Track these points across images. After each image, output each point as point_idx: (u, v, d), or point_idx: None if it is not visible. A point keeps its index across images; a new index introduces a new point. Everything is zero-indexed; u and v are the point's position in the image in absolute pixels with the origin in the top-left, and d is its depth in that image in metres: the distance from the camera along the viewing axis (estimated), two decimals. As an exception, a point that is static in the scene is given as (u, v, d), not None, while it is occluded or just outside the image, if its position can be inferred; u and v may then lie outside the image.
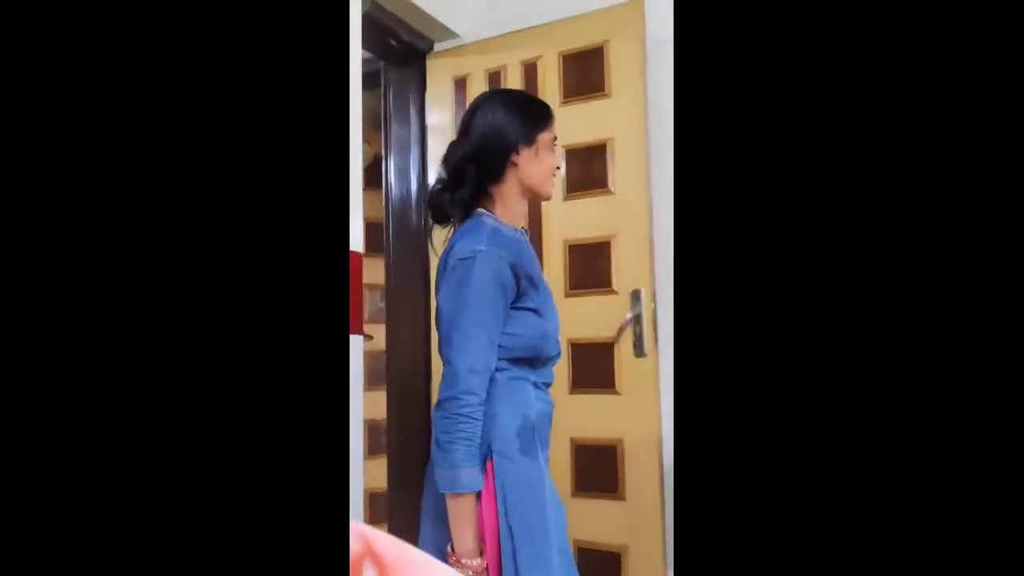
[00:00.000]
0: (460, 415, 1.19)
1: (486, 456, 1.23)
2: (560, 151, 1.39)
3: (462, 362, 1.20)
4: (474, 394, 1.19)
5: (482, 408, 1.21)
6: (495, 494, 1.22)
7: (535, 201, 1.40)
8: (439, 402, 1.22)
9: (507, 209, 1.35)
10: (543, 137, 1.34)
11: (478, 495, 1.20)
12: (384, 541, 0.51)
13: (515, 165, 1.33)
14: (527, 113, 1.35)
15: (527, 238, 1.40)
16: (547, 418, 1.35)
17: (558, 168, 1.40)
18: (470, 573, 1.17)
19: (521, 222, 1.39)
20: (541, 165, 1.34)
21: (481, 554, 1.19)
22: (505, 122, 1.32)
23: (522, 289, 1.27)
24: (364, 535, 0.50)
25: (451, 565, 1.18)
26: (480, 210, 1.34)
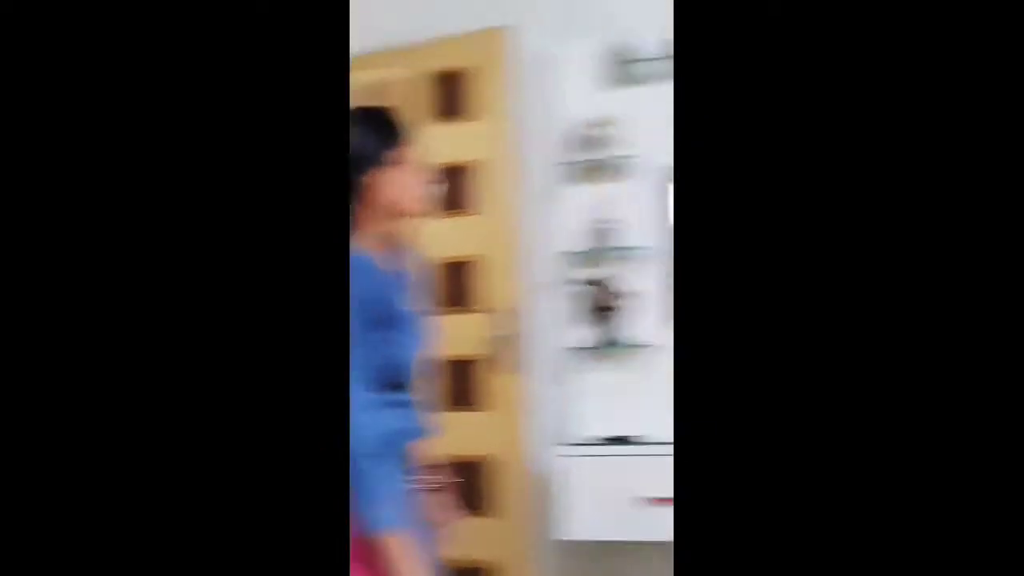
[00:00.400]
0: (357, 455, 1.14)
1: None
2: (427, 166, 1.34)
3: None
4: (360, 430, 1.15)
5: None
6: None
7: (401, 219, 1.35)
8: None
9: (367, 233, 1.30)
10: (395, 154, 1.30)
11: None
12: None
13: (370, 186, 1.28)
14: (377, 132, 1.30)
15: (398, 259, 1.36)
16: (401, 435, 1.31)
17: (428, 183, 1.35)
18: None
19: (388, 244, 1.34)
20: (398, 184, 1.30)
21: None
22: (356, 144, 1.25)
23: (372, 321, 1.22)
24: None
25: None
26: None
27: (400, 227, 1.35)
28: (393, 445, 1.26)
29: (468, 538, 2.12)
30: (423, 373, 1.36)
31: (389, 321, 1.26)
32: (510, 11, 2.29)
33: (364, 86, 2.41)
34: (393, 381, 1.28)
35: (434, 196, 1.27)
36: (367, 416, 1.18)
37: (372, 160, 1.27)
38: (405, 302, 1.34)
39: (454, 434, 2.18)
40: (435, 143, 2.30)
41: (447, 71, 2.34)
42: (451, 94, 2.34)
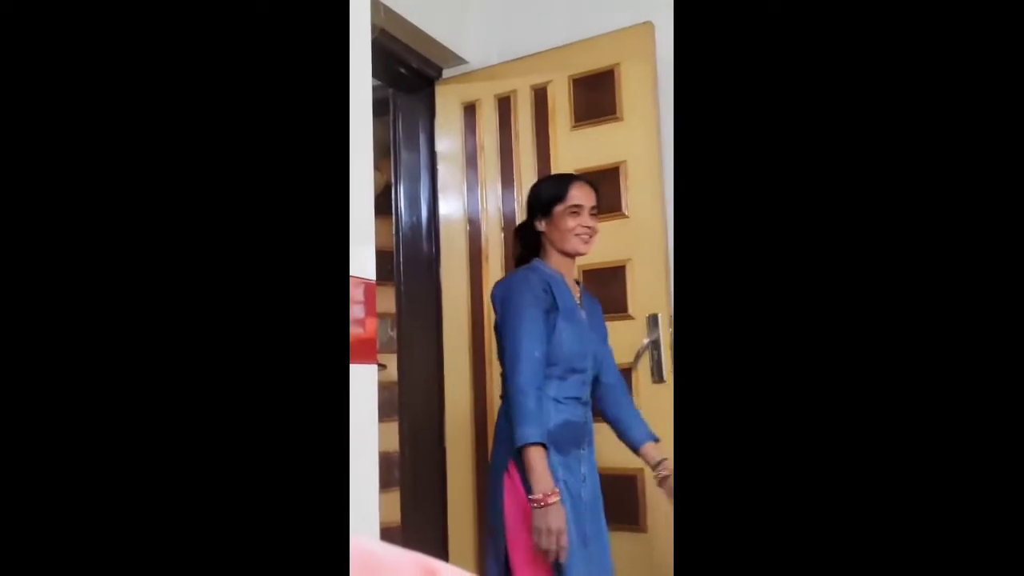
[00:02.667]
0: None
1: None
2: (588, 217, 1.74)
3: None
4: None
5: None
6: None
7: (570, 255, 1.75)
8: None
9: (551, 260, 1.75)
10: (562, 207, 1.71)
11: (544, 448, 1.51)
12: (451, 573, 0.48)
13: (545, 231, 1.74)
14: (549, 189, 1.76)
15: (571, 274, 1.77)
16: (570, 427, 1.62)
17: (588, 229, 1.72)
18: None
19: (565, 268, 1.75)
20: (563, 229, 1.70)
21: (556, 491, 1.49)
22: (533, 198, 1.78)
23: (544, 310, 1.62)
24: (429, 568, 0.47)
25: (539, 507, 1.46)
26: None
27: (571, 260, 1.76)
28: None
29: (622, 554, 2.05)
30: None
31: (554, 311, 1.63)
32: (649, 8, 2.20)
33: (511, 93, 2.41)
34: (561, 365, 1.63)
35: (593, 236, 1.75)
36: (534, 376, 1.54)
37: (544, 210, 1.71)
38: (573, 300, 1.70)
39: (605, 445, 2.12)
40: (582, 146, 2.26)
41: (592, 72, 2.28)
42: (596, 95, 2.28)
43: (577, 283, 1.79)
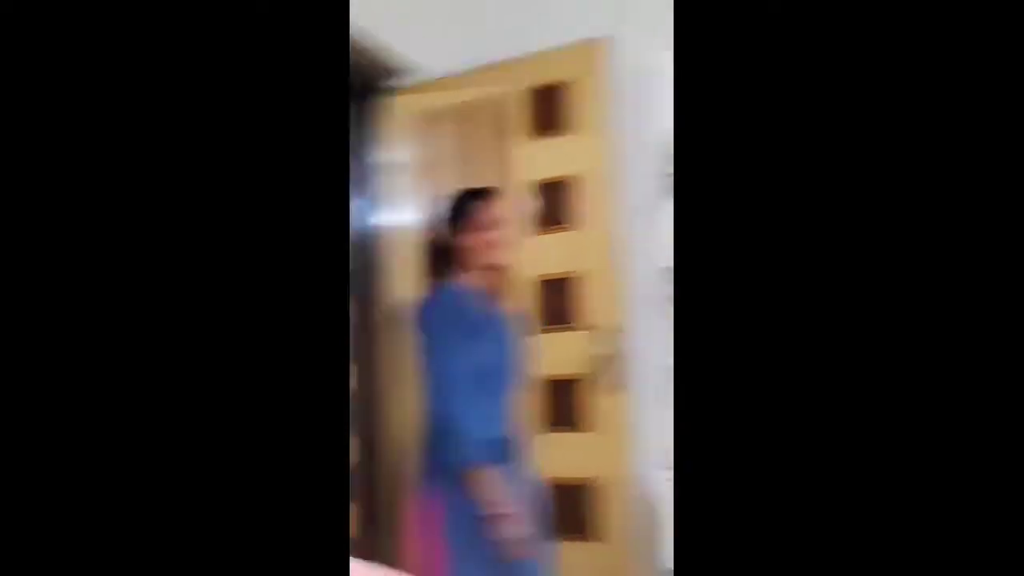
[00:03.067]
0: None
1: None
2: (510, 227, 1.73)
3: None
4: None
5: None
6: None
7: (491, 270, 1.73)
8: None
9: (466, 276, 1.71)
10: (478, 219, 1.69)
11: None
12: None
13: (462, 245, 1.71)
14: (464, 202, 1.74)
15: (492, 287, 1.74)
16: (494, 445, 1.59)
17: (510, 239, 1.70)
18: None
19: (483, 281, 1.72)
20: (484, 242, 1.67)
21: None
22: (448, 212, 1.76)
23: (464, 332, 1.60)
24: None
25: (501, 521, 1.47)
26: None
27: (492, 273, 1.72)
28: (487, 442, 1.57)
29: (573, 564, 2.08)
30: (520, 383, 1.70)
31: (476, 331, 1.61)
32: (607, 23, 2.23)
33: (462, 104, 2.43)
34: (488, 384, 1.62)
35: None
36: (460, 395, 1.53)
37: (460, 224, 1.69)
38: (494, 315, 1.69)
39: (556, 456, 2.15)
40: (536, 158, 2.28)
41: (548, 85, 2.31)
42: (551, 108, 2.30)
43: (496, 297, 1.78)
